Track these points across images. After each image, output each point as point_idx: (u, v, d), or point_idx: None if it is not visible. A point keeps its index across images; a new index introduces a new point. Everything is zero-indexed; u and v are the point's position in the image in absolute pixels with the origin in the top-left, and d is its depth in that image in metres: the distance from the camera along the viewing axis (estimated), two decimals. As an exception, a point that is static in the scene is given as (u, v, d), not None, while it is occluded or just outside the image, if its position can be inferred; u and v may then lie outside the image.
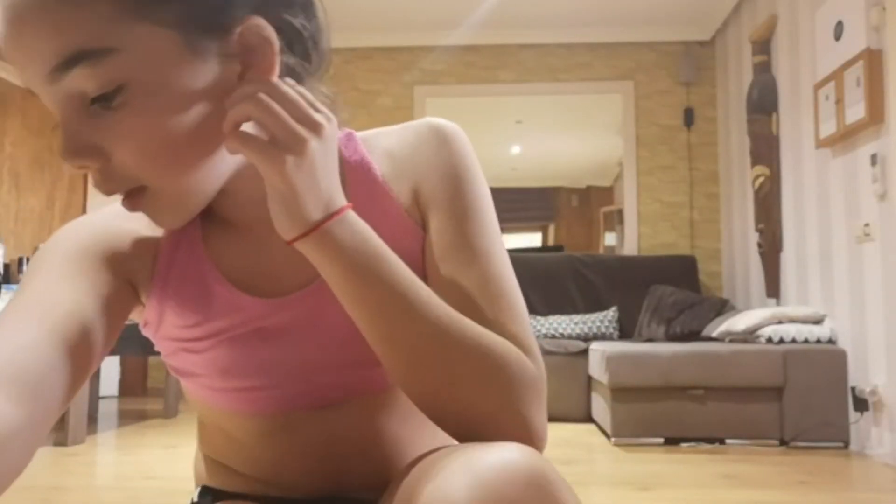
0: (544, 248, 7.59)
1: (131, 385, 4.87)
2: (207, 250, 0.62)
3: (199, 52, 0.49)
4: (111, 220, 0.61)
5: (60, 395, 0.46)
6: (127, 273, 0.59)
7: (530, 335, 0.57)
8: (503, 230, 8.39)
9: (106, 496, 2.10)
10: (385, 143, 0.64)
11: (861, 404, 2.84)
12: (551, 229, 8.33)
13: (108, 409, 4.19)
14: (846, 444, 2.95)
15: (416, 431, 0.65)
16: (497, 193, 8.31)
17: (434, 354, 0.52)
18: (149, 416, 3.86)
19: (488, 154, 7.36)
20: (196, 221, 0.62)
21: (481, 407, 0.52)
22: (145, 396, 4.83)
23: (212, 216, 0.63)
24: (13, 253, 4.02)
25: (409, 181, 0.62)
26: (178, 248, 0.61)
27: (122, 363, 4.86)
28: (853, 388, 2.90)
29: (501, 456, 0.44)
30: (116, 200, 0.65)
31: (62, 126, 0.48)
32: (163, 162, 0.49)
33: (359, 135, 0.65)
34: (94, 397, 3.79)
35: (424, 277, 0.62)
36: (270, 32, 0.51)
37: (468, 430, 0.53)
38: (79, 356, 0.49)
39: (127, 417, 3.83)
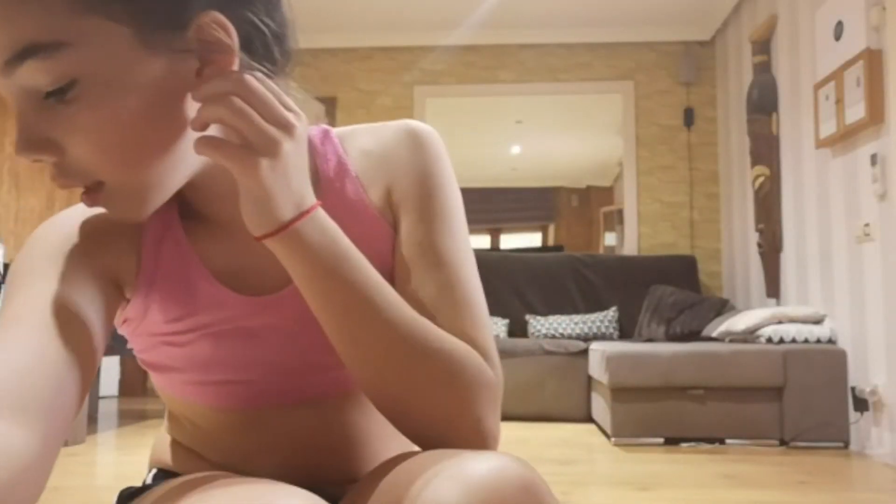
0: (544, 248, 7.60)
1: (131, 385, 4.87)
2: (192, 246, 0.61)
3: (153, 46, 0.48)
4: (89, 217, 0.59)
5: (71, 407, 0.46)
6: (111, 271, 0.58)
7: (490, 340, 0.59)
8: (503, 230, 8.39)
9: (106, 496, 2.10)
10: (361, 142, 0.64)
11: (861, 404, 2.84)
12: (551, 229, 8.33)
13: (108, 409, 4.19)
14: (846, 444, 2.95)
15: (388, 429, 0.66)
16: (497, 193, 8.32)
17: (396, 358, 0.53)
18: (149, 416, 3.86)
19: (488, 154, 7.36)
20: (175, 216, 0.61)
21: (438, 410, 0.53)
22: (145, 396, 4.84)
23: (190, 212, 0.62)
24: (13, 253, 4.02)
25: (383, 181, 0.63)
26: (162, 244, 0.60)
27: (122, 363, 4.86)
28: (853, 388, 2.90)
29: (494, 464, 0.45)
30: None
31: (17, 119, 0.47)
32: (117, 157, 0.48)
33: (335, 131, 0.65)
34: (94, 397, 3.79)
35: (393, 279, 0.62)
36: (228, 28, 0.50)
37: (425, 431, 0.54)
38: (83, 363, 0.48)
39: (127, 417, 3.82)
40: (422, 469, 0.48)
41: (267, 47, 0.55)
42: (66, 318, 0.49)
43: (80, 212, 0.60)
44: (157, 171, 0.50)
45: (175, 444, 0.70)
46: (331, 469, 0.64)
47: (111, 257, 0.58)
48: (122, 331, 0.63)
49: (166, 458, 0.71)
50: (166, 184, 0.52)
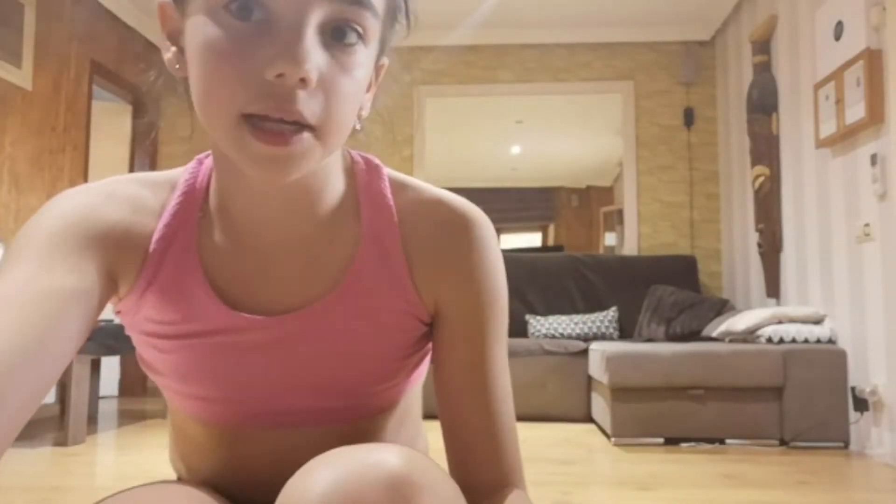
0: (544, 248, 7.58)
1: (131, 385, 4.86)
2: (200, 253, 0.61)
3: (378, 52, 0.59)
4: (100, 206, 0.58)
5: (31, 395, 0.46)
6: (110, 264, 0.57)
7: (519, 461, 0.64)
8: (503, 230, 8.39)
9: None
10: (414, 200, 0.65)
11: (861, 404, 2.84)
12: (551, 229, 8.33)
13: (108, 409, 4.19)
14: (846, 444, 2.95)
15: None
16: (497, 193, 8.31)
17: None
18: (149, 416, 3.85)
19: (488, 154, 7.35)
20: (193, 226, 0.62)
21: None
22: (145, 396, 4.83)
23: (211, 226, 0.62)
24: (13, 253, 4.01)
25: (425, 256, 0.63)
26: (171, 248, 0.61)
27: (122, 363, 4.86)
28: (853, 388, 2.90)
29: (369, 457, 0.46)
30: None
31: (303, 40, 0.49)
32: (344, 110, 0.53)
33: (391, 174, 0.67)
34: (94, 397, 3.79)
35: (408, 348, 0.64)
36: (381, 73, 0.64)
37: None
38: (55, 352, 0.48)
39: (127, 417, 3.82)
40: (313, 462, 0.49)
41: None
42: (46, 307, 0.48)
43: (96, 196, 0.59)
44: (339, 140, 0.54)
45: (171, 445, 0.72)
46: None
47: (114, 251, 0.58)
48: (118, 317, 0.63)
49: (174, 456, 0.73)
50: (328, 157, 0.56)
